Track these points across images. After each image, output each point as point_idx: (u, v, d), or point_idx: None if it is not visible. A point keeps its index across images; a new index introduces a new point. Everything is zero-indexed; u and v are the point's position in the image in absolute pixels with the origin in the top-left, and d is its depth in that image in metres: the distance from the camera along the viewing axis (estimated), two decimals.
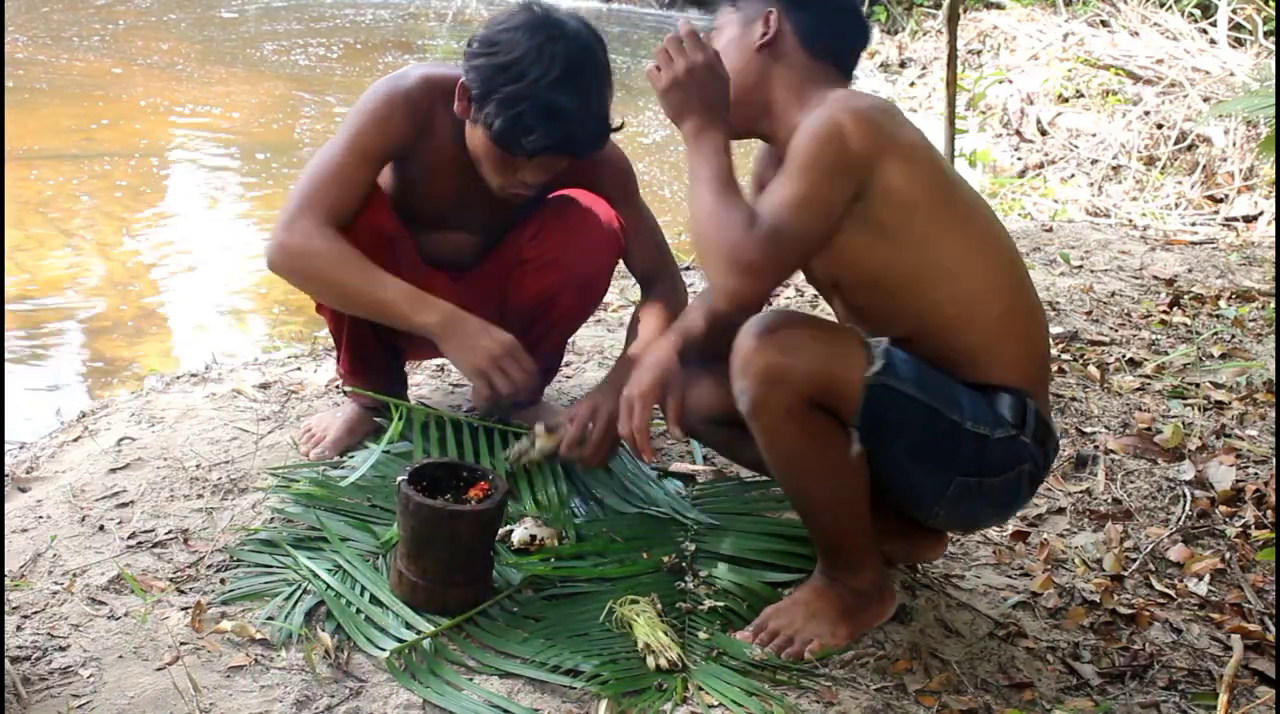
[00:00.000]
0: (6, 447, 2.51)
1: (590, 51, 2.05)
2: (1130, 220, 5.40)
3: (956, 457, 1.81)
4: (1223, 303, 3.88)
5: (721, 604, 2.01)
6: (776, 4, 1.87)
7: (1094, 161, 6.22)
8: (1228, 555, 2.35)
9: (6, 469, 2.39)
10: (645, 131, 6.48)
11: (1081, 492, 2.56)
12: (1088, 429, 2.84)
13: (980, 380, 1.84)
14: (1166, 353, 3.37)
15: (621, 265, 2.40)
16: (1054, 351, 3.23)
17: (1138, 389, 3.10)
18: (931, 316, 1.83)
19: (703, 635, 1.94)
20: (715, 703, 1.78)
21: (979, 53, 8.23)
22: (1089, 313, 3.66)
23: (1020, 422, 1.83)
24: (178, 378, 2.87)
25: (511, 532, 2.12)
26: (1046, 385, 1.94)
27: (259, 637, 1.86)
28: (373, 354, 2.37)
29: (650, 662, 1.84)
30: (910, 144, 1.78)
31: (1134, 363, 3.28)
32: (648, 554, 2.13)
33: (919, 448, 1.81)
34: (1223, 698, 1.89)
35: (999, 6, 8.73)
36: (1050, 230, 4.78)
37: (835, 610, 1.93)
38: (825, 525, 1.93)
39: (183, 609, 1.92)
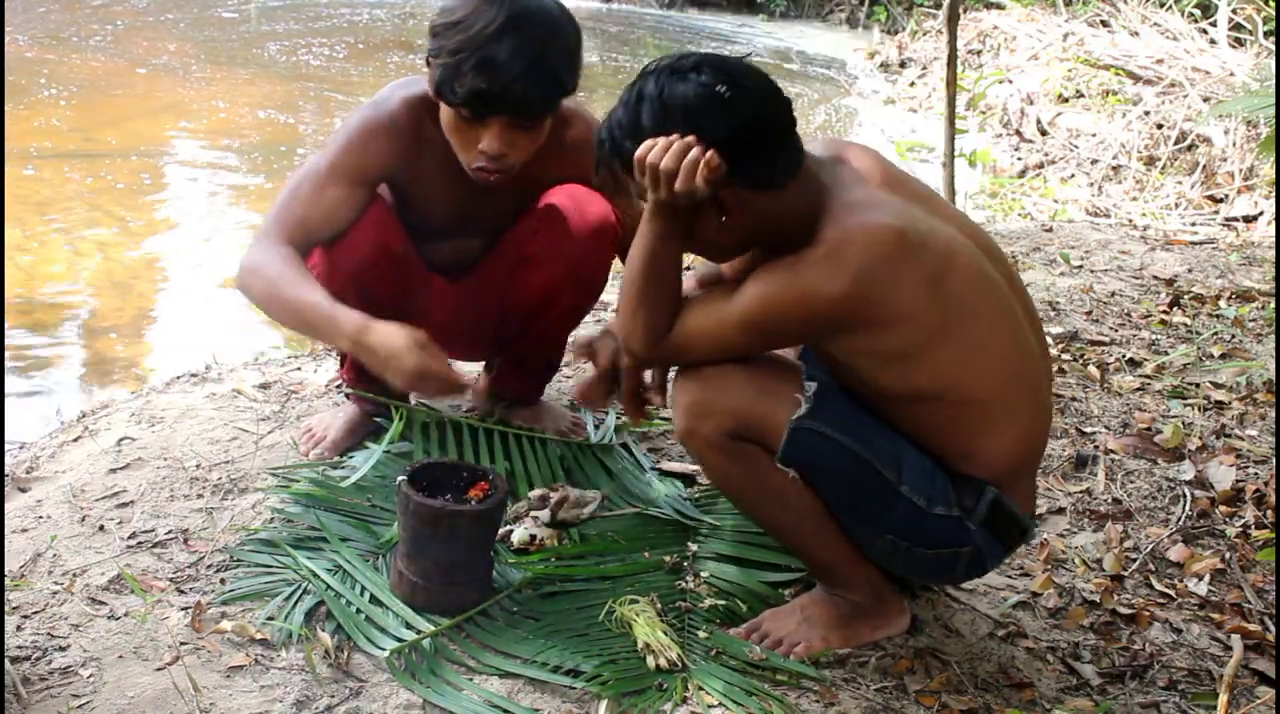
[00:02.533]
0: (6, 447, 2.51)
1: (543, 12, 2.02)
2: (1130, 220, 5.40)
3: (887, 515, 1.78)
4: (1223, 303, 3.88)
5: (722, 603, 2.01)
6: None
7: (1094, 161, 6.23)
8: (1228, 555, 2.35)
9: (6, 469, 2.39)
10: None
11: (1081, 492, 2.56)
12: (1088, 429, 2.84)
13: (956, 471, 1.79)
14: (1166, 353, 3.37)
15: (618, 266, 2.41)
16: (1054, 352, 3.23)
17: (1138, 389, 3.10)
18: (920, 421, 1.78)
19: (702, 635, 1.94)
20: (715, 703, 1.78)
21: (979, 53, 8.24)
22: (1089, 313, 3.66)
23: (970, 508, 1.78)
24: (178, 378, 2.87)
25: (511, 532, 2.12)
26: (1030, 477, 1.89)
27: (259, 637, 1.86)
28: None
29: (650, 661, 1.84)
30: (911, 279, 1.65)
31: (1134, 363, 3.28)
32: (649, 554, 2.13)
33: (846, 496, 1.80)
34: (1223, 698, 1.89)
35: (999, 6, 8.74)
36: (1050, 230, 4.78)
37: (830, 619, 1.93)
38: (793, 545, 1.94)
39: (183, 609, 1.92)
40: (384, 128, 2.15)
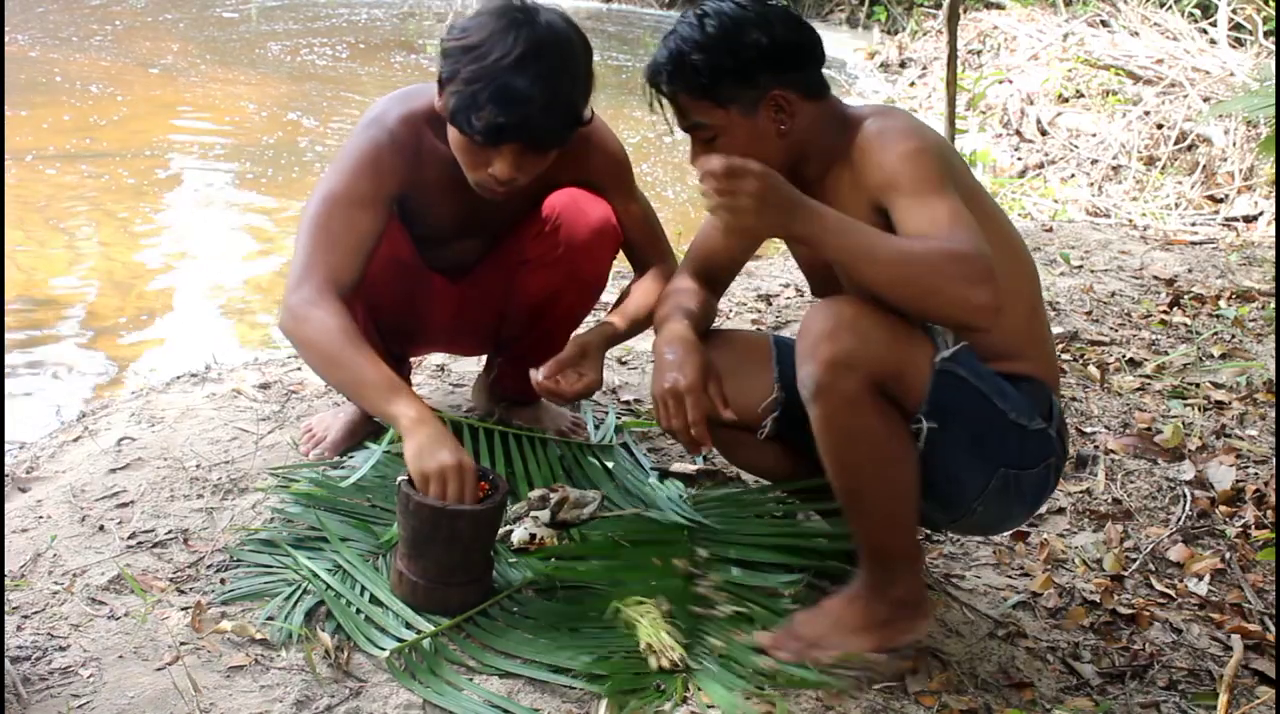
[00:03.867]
0: (6, 447, 2.51)
1: (559, 41, 2.01)
2: (1130, 220, 5.41)
3: (1003, 448, 1.83)
4: (1223, 303, 3.89)
5: (731, 609, 1.98)
6: (772, 83, 1.84)
7: (1094, 161, 6.23)
8: (1228, 555, 2.36)
9: (6, 469, 2.39)
10: (651, 133, 6.48)
11: (1081, 492, 2.56)
12: (1088, 429, 2.84)
13: (1013, 372, 1.87)
14: (1166, 353, 3.37)
15: (620, 263, 2.41)
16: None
17: (1138, 389, 3.10)
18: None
19: (714, 640, 1.91)
20: (714, 705, 1.78)
21: (979, 53, 8.24)
22: (1089, 313, 3.66)
23: (1048, 415, 1.87)
24: (178, 378, 2.87)
25: (511, 532, 2.12)
26: (1059, 384, 1.99)
27: (259, 637, 1.86)
28: None
29: (652, 662, 1.83)
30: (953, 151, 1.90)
31: (1134, 363, 3.28)
32: (659, 561, 2.08)
33: (973, 437, 1.80)
34: (1223, 698, 1.89)
35: (999, 6, 8.74)
36: (1050, 230, 4.78)
37: (864, 622, 1.89)
38: (872, 523, 1.87)
39: (183, 609, 1.92)
40: (388, 147, 2.13)
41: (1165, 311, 3.75)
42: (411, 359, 2.67)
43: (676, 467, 2.47)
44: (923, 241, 1.70)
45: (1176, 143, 6.12)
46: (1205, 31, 7.34)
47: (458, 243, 2.35)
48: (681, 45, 1.84)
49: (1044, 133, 6.74)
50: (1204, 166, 5.89)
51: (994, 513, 1.93)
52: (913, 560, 1.90)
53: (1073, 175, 6.17)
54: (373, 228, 2.11)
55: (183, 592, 1.98)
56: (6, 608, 1.89)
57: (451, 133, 2.07)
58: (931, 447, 1.77)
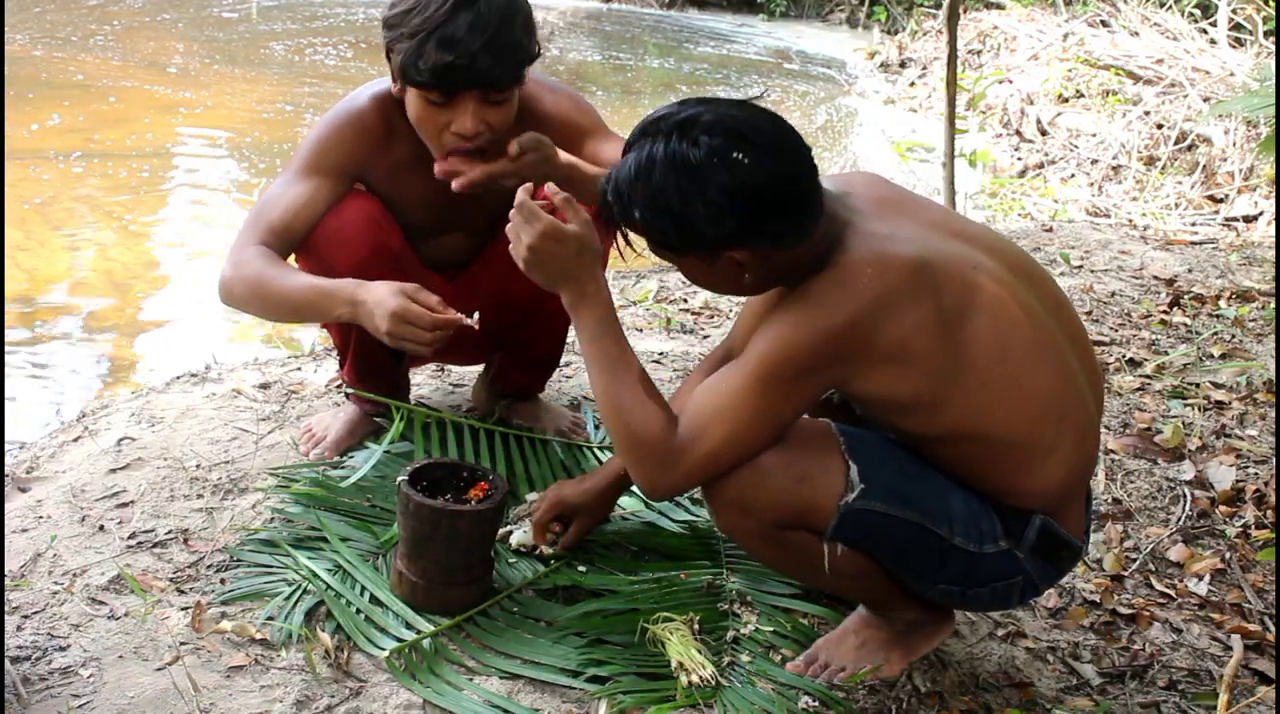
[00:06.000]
0: (6, 447, 2.51)
1: None
2: (1130, 220, 5.41)
3: (942, 569, 1.74)
4: (1223, 303, 3.89)
5: (768, 628, 1.97)
6: (723, 246, 1.61)
7: (1094, 161, 6.23)
8: (1228, 555, 2.36)
9: (6, 469, 2.39)
10: None
11: None
12: None
13: (1001, 504, 1.74)
14: (1166, 353, 3.37)
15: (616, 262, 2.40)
16: None
17: (1138, 389, 3.10)
18: (955, 461, 1.72)
19: (745, 658, 1.90)
20: None
21: (979, 53, 8.25)
22: (1089, 313, 3.66)
23: (1018, 536, 1.73)
24: (178, 378, 2.86)
25: (511, 532, 2.12)
26: (1079, 499, 1.79)
27: (259, 637, 1.86)
28: (378, 364, 2.37)
29: (683, 679, 1.81)
30: (921, 317, 1.58)
31: (1134, 363, 3.28)
32: (686, 575, 2.08)
33: (897, 558, 1.76)
34: (1223, 698, 1.89)
35: (999, 6, 8.75)
36: (1050, 230, 4.78)
37: (886, 639, 1.89)
38: (837, 591, 1.94)
39: (183, 609, 1.92)
40: (350, 122, 2.17)
41: (1165, 311, 3.75)
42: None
43: None
44: (631, 402, 1.67)
45: (1176, 143, 6.12)
46: (1205, 31, 7.34)
47: (446, 236, 2.34)
48: (622, 190, 1.62)
49: (1044, 133, 6.75)
50: (1204, 166, 5.90)
51: (954, 606, 1.90)
52: (903, 597, 1.86)
53: (1073, 175, 6.17)
54: (314, 194, 2.15)
55: (183, 592, 1.98)
56: (6, 608, 1.89)
57: (411, 105, 2.07)
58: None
